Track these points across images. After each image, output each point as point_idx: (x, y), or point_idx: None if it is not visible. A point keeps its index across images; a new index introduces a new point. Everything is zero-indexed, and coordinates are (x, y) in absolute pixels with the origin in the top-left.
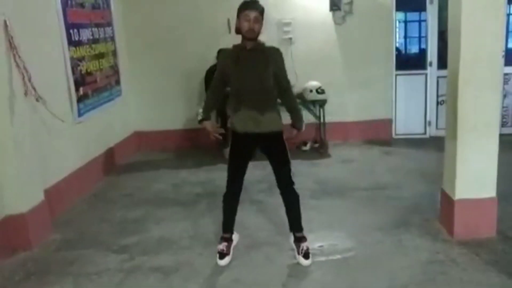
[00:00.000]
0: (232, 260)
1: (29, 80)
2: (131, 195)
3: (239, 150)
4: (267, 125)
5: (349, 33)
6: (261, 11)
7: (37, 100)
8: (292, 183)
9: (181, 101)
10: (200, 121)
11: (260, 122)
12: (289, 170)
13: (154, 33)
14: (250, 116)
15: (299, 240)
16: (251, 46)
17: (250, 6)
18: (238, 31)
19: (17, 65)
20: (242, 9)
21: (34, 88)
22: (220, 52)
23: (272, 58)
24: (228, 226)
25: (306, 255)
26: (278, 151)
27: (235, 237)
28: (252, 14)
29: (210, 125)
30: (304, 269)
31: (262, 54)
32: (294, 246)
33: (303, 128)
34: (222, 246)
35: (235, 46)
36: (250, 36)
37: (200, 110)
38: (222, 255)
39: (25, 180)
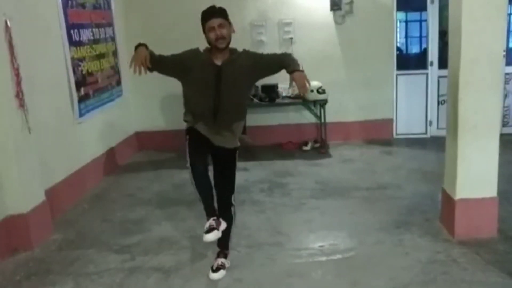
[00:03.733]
0: (232, 260)
1: (18, 84)
2: (132, 195)
3: (198, 139)
4: (220, 142)
5: (349, 33)
6: (223, 15)
7: (20, 105)
8: (231, 204)
9: (181, 102)
10: (137, 47)
11: (214, 138)
12: (232, 191)
13: (155, 33)
14: (205, 130)
15: (220, 256)
16: (222, 60)
17: (209, 15)
18: (210, 43)
19: (13, 67)
20: (203, 21)
21: (21, 93)
22: (194, 49)
23: (244, 66)
24: (210, 209)
25: (217, 269)
26: (226, 166)
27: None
28: (215, 22)
29: (144, 53)
30: (304, 269)
31: (238, 68)
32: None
33: (300, 67)
34: (211, 220)
35: (206, 54)
36: (221, 45)
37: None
38: (210, 229)
39: (26, 180)
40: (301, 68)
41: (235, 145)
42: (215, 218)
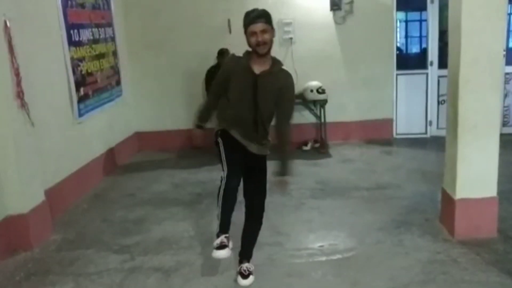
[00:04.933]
0: (233, 260)
1: (18, 84)
2: (131, 195)
3: (232, 145)
4: (255, 149)
5: (349, 33)
6: (267, 20)
7: (22, 105)
8: (264, 210)
9: (181, 102)
10: (195, 126)
11: (250, 145)
12: (265, 196)
13: (155, 33)
14: (241, 136)
15: (243, 262)
16: (261, 70)
17: (252, 19)
18: (250, 47)
19: (13, 66)
20: (246, 25)
21: (22, 92)
22: (228, 55)
23: (276, 85)
24: (226, 225)
25: (248, 275)
26: (258, 171)
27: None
28: (258, 27)
29: (200, 135)
30: (304, 269)
31: (271, 83)
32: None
33: (292, 173)
34: (223, 237)
35: (246, 59)
36: (262, 51)
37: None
38: (222, 246)
39: (26, 180)
40: (286, 175)
41: (267, 153)
42: (227, 235)
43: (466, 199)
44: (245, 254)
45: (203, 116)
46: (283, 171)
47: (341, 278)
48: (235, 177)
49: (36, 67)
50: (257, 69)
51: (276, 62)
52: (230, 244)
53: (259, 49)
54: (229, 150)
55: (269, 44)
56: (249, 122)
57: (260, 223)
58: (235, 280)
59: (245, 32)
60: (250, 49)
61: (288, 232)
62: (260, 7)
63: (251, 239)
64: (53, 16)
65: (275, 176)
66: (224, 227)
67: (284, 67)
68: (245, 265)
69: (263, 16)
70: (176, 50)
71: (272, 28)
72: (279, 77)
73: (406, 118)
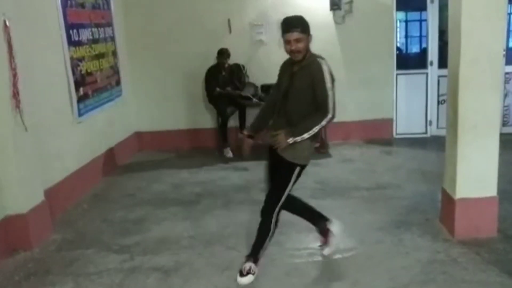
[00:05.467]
0: (233, 260)
1: (15, 84)
2: (131, 195)
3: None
4: (282, 150)
5: (349, 33)
6: (302, 28)
7: (16, 106)
8: (269, 214)
9: (181, 101)
10: (245, 136)
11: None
12: (275, 199)
13: (154, 33)
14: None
15: (249, 260)
16: (297, 68)
17: (287, 28)
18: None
19: (11, 67)
20: (282, 31)
21: (17, 93)
22: (283, 62)
23: (313, 79)
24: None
25: (246, 274)
26: (279, 173)
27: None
28: (292, 36)
29: (249, 145)
30: (304, 269)
31: (304, 76)
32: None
33: (293, 136)
34: (254, 266)
35: (289, 60)
36: (296, 58)
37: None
38: (247, 273)
39: (26, 180)
40: (297, 137)
41: (293, 160)
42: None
43: (466, 199)
44: (250, 252)
45: (256, 124)
46: (295, 128)
47: (341, 278)
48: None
49: (36, 67)
50: (296, 67)
51: (311, 57)
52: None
53: (293, 56)
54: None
55: (303, 52)
56: (282, 121)
57: (264, 223)
58: (235, 280)
59: (282, 36)
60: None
61: (288, 232)
62: (260, 7)
63: (257, 237)
64: (53, 15)
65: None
66: (319, 216)
67: (319, 58)
68: (247, 264)
69: (298, 25)
70: (176, 49)
71: (308, 35)
72: (311, 69)
73: (406, 118)
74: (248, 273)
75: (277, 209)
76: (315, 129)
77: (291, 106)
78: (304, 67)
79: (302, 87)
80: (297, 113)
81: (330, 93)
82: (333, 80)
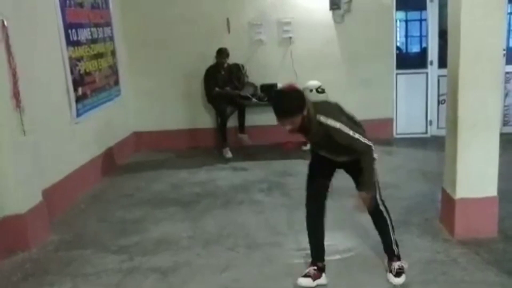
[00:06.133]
0: (231, 260)
1: (15, 85)
2: (130, 195)
3: (317, 166)
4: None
5: (349, 32)
6: (292, 113)
7: (17, 106)
8: (378, 204)
9: (180, 101)
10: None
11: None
12: (374, 190)
13: (153, 33)
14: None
15: (391, 259)
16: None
17: (275, 114)
18: None
19: (10, 67)
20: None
21: (18, 93)
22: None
23: (333, 137)
24: (317, 252)
25: (397, 274)
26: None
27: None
28: (283, 124)
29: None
30: (304, 269)
31: (325, 136)
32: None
33: (370, 191)
34: (312, 269)
35: None
36: (292, 134)
37: None
38: (307, 275)
39: (23, 181)
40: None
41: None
42: (316, 268)
43: (466, 199)
44: (386, 252)
45: None
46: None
47: (341, 278)
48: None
49: (34, 66)
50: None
51: (314, 118)
52: (323, 279)
53: (290, 134)
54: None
55: (298, 130)
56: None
57: (380, 214)
58: (387, 280)
59: None
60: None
61: (287, 232)
62: (259, 6)
63: (381, 236)
64: (51, 15)
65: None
66: (313, 254)
67: (321, 116)
68: (396, 264)
69: (287, 114)
70: (174, 49)
71: (301, 113)
72: (327, 133)
73: (406, 117)
74: (400, 273)
75: (378, 198)
76: (374, 168)
77: (328, 153)
78: (316, 132)
79: (330, 143)
80: (336, 153)
81: (356, 136)
82: (348, 118)
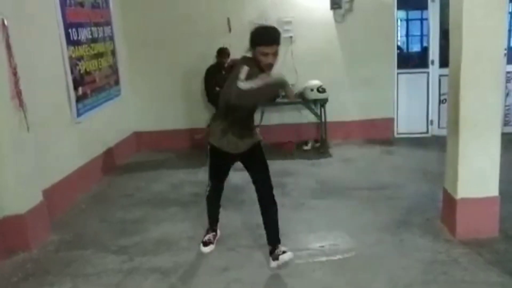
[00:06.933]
0: (232, 260)
1: (16, 84)
2: (130, 195)
3: (219, 162)
4: (245, 146)
5: (350, 32)
6: (279, 40)
7: (20, 105)
8: (272, 187)
9: (180, 101)
10: None
11: (239, 146)
12: (270, 179)
13: (154, 32)
14: (232, 141)
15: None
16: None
17: (268, 40)
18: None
19: (11, 66)
20: (257, 43)
21: (20, 92)
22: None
23: None
24: (215, 221)
25: (283, 253)
26: (256, 160)
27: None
28: (272, 49)
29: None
30: (304, 270)
31: None
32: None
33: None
34: (211, 236)
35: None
36: (268, 70)
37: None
38: (208, 243)
39: (23, 181)
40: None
41: (258, 139)
42: (214, 233)
43: (467, 199)
44: (275, 239)
45: None
46: None
47: (341, 278)
48: (219, 183)
49: (34, 66)
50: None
51: None
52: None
53: (267, 68)
54: (215, 164)
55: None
56: (244, 120)
57: (275, 203)
58: (270, 266)
59: (254, 47)
60: (248, 55)
61: (288, 232)
62: (260, 5)
63: (274, 223)
64: (52, 14)
65: None
66: (211, 222)
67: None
68: (281, 248)
69: (278, 39)
70: (175, 49)
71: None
72: None
73: (407, 117)
74: (285, 251)
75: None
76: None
77: (249, 113)
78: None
79: None
80: (250, 119)
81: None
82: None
